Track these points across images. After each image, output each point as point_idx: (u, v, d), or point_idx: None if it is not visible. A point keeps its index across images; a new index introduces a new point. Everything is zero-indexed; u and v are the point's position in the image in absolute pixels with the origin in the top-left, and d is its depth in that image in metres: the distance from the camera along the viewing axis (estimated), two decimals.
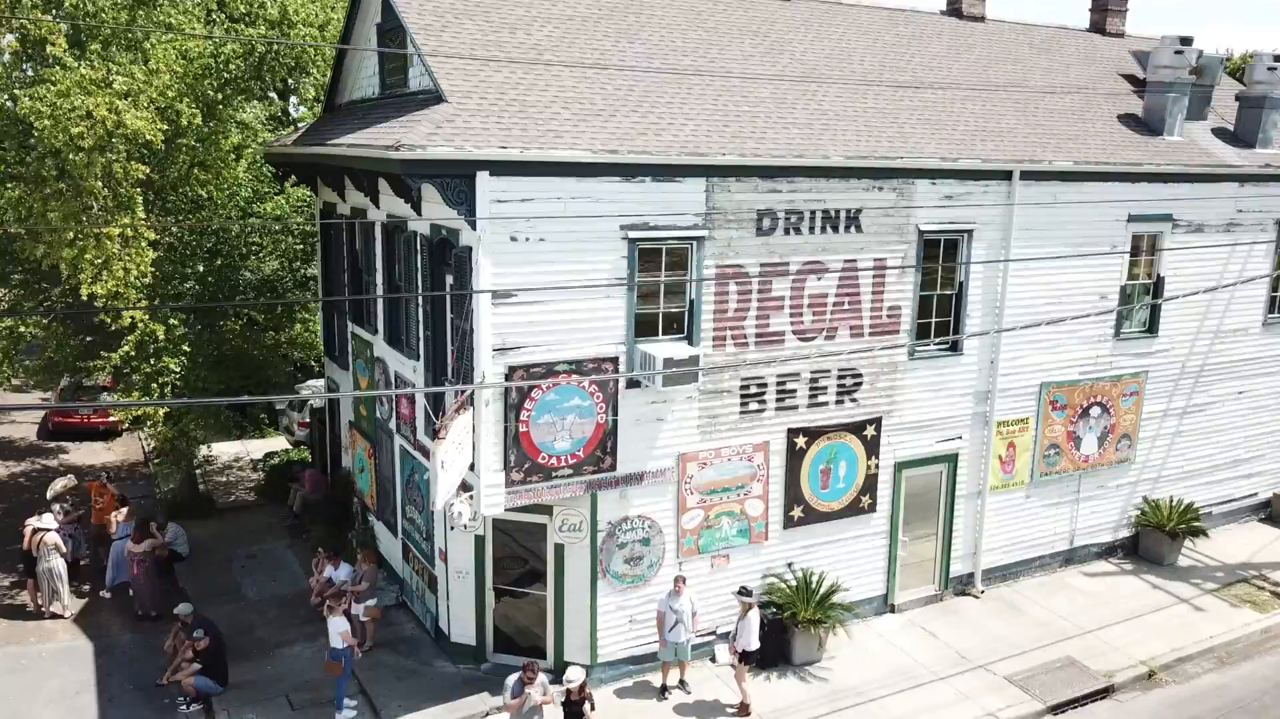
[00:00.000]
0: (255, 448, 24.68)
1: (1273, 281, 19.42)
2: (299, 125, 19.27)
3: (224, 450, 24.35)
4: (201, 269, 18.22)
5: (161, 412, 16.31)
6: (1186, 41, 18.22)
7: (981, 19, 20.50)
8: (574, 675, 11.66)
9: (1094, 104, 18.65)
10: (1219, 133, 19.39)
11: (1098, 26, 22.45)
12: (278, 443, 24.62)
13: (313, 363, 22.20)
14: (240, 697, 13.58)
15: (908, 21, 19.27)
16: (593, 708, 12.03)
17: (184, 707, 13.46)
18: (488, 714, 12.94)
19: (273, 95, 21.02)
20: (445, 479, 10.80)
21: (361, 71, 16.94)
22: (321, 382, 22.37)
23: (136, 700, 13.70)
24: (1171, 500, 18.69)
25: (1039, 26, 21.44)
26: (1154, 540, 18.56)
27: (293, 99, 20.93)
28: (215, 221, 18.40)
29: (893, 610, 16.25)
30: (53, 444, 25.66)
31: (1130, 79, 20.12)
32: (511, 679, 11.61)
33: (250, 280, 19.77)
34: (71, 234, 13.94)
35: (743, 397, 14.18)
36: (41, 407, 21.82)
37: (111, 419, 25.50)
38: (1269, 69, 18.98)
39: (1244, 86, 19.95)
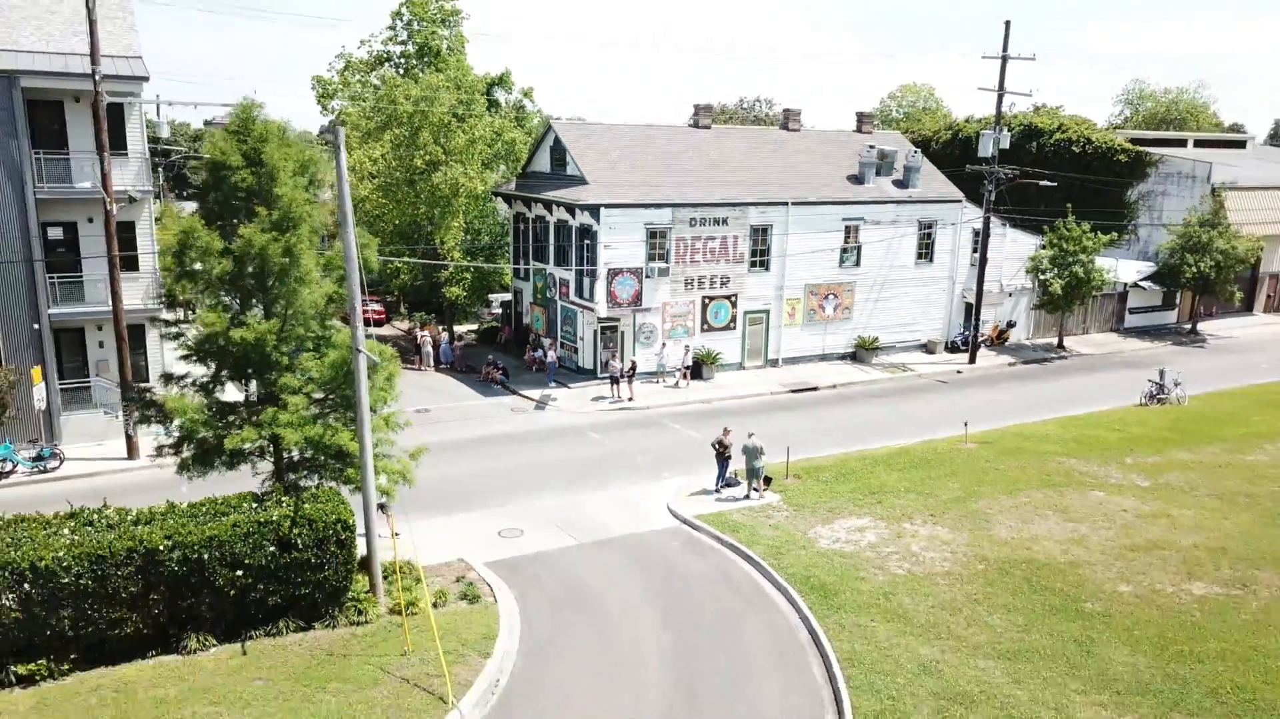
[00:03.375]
0: (459, 329, 50.68)
1: (917, 244, 45.57)
2: (508, 177, 45.34)
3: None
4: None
5: (462, 294, 42.40)
6: (872, 147, 44.37)
7: (799, 129, 46.67)
8: (635, 358, 37.85)
9: (838, 171, 44.75)
10: (896, 182, 45.51)
11: (859, 128, 48.64)
12: (470, 326, 50.69)
13: (499, 287, 48.50)
14: (514, 382, 39.70)
15: (761, 134, 45.40)
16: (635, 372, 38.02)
17: (494, 383, 39.62)
18: (599, 383, 39.20)
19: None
20: (598, 294, 36.94)
21: (539, 160, 43.07)
22: (504, 294, 48.78)
23: (475, 385, 39.87)
24: (870, 337, 44.87)
25: (828, 131, 47.53)
26: (861, 353, 44.81)
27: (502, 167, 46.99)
28: (469, 218, 44.59)
29: (743, 369, 42.51)
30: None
31: (859, 156, 46.20)
32: (611, 362, 37.62)
33: (478, 246, 45.91)
34: (453, 223, 40.00)
35: (685, 283, 40.32)
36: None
37: (381, 316, 51.99)
38: (910, 155, 45.14)
39: (908, 161, 45.95)
